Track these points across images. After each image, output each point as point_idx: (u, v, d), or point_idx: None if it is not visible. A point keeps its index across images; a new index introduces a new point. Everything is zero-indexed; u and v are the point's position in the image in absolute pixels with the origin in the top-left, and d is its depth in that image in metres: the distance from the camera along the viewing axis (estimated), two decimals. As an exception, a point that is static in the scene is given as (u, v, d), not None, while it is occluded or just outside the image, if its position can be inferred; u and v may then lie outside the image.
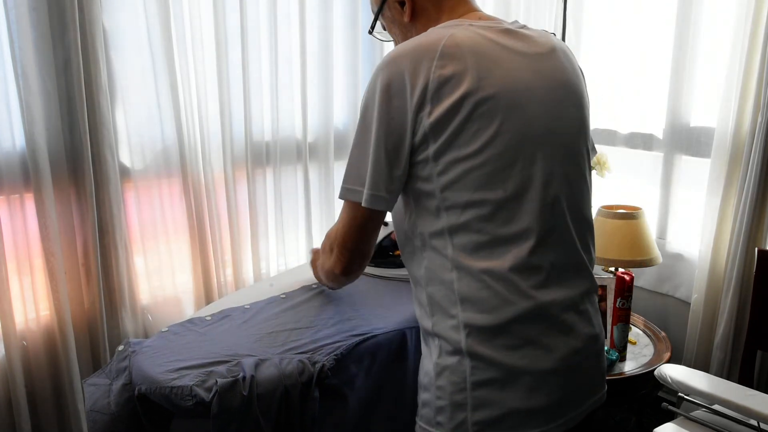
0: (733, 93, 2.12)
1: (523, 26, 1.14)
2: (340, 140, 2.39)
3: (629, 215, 2.22)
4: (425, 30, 1.13)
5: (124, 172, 1.86)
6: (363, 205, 1.06)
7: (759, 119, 2.03)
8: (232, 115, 2.04)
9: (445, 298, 1.07)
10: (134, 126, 1.86)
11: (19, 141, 1.63)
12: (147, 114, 1.87)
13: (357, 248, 1.15)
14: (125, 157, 1.86)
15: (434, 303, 1.10)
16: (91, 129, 1.72)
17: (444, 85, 1.01)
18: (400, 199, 1.13)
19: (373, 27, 1.30)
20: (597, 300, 1.20)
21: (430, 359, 1.11)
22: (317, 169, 2.34)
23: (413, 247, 1.13)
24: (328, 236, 1.22)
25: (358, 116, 1.09)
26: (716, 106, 2.21)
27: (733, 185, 2.18)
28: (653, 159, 2.58)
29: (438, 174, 1.04)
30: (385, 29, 1.30)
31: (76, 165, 1.73)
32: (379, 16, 1.26)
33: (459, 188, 1.03)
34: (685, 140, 2.46)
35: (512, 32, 1.10)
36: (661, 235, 2.57)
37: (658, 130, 2.55)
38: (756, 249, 2.00)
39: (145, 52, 1.83)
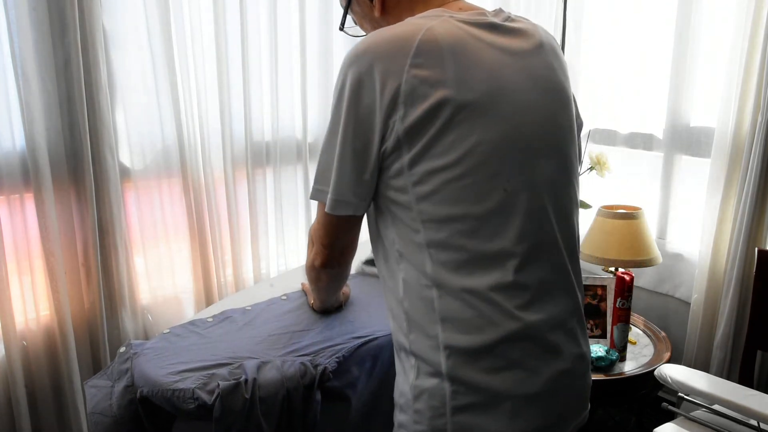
0: (733, 93, 2.12)
1: (509, 17, 1.05)
2: (340, 140, 2.38)
3: (629, 215, 2.22)
4: (396, 17, 1.07)
5: (124, 172, 1.86)
6: (326, 210, 1.01)
7: (759, 119, 2.03)
8: (232, 115, 2.04)
9: (425, 317, 0.99)
10: (134, 126, 1.85)
11: (19, 141, 1.63)
12: (147, 114, 1.87)
13: (334, 245, 1.10)
14: (125, 157, 1.86)
15: (411, 320, 1.01)
16: (91, 129, 1.72)
17: (419, 86, 0.91)
18: (373, 205, 1.05)
19: (343, 23, 1.20)
20: (584, 316, 1.11)
21: (405, 379, 1.04)
22: (317, 169, 2.33)
23: (387, 257, 1.05)
24: (310, 229, 1.16)
25: (331, 111, 1.01)
26: (716, 106, 2.21)
27: (733, 185, 2.18)
28: (653, 159, 2.58)
29: (413, 184, 0.95)
30: (356, 24, 1.21)
31: (76, 165, 1.73)
32: (348, 11, 1.17)
33: (437, 201, 0.95)
34: (685, 140, 2.46)
35: (497, 26, 1.00)
36: (661, 235, 2.57)
37: (658, 130, 2.55)
38: (756, 249, 2.00)
39: (145, 52, 1.83)
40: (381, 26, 1.05)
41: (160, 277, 1.99)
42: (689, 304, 2.37)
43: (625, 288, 2.05)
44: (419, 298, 0.99)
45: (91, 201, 1.75)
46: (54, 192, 1.68)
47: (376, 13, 1.11)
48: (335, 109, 0.98)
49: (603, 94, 2.67)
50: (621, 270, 2.15)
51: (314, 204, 2.32)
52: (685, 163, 2.48)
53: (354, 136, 0.96)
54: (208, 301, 2.07)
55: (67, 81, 1.68)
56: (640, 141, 2.63)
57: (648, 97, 2.56)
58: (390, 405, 1.30)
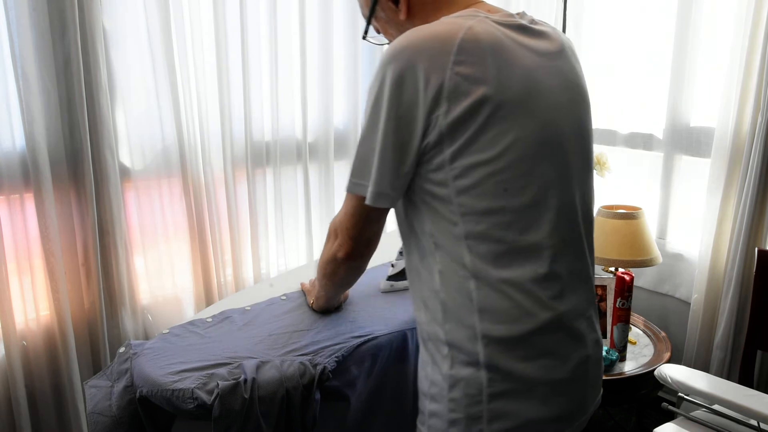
0: (733, 93, 2.12)
1: (532, 20, 1.09)
2: (340, 140, 2.39)
3: (629, 215, 2.22)
4: (422, 19, 1.07)
5: (124, 172, 1.86)
6: (367, 202, 1.03)
7: (759, 119, 2.03)
8: (232, 115, 2.04)
9: (462, 307, 1.02)
10: (134, 126, 1.86)
11: (19, 141, 1.63)
12: (147, 114, 1.87)
13: (361, 236, 1.12)
14: (125, 157, 1.86)
15: (448, 311, 1.04)
16: (91, 129, 1.72)
17: (462, 83, 0.94)
18: (404, 199, 1.09)
19: (366, 32, 1.22)
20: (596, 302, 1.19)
21: (437, 369, 1.07)
22: (317, 169, 2.34)
23: (422, 250, 1.08)
24: (333, 222, 1.17)
25: (366, 107, 1.03)
26: (716, 106, 2.21)
27: (733, 185, 2.18)
28: (653, 159, 2.58)
29: (454, 178, 0.98)
30: (379, 32, 1.23)
31: (76, 165, 1.73)
32: (372, 19, 1.19)
33: (477, 194, 0.98)
34: (685, 140, 2.46)
35: (526, 28, 1.04)
36: (661, 235, 2.57)
37: (658, 130, 2.55)
38: (756, 249, 2.00)
39: (145, 52, 1.83)
40: (407, 29, 1.07)
41: (160, 277, 1.99)
42: (689, 304, 2.37)
43: (625, 288, 2.05)
44: (457, 290, 1.02)
45: (91, 201, 1.75)
46: (54, 192, 1.69)
47: (402, 17, 1.12)
48: (374, 103, 0.99)
49: (603, 94, 2.66)
50: (621, 270, 2.14)
51: (314, 204, 2.34)
52: (685, 163, 2.48)
53: (396, 130, 0.98)
54: (208, 302, 2.07)
55: (67, 81, 1.68)
56: (640, 141, 2.63)
57: (648, 97, 2.56)
58: (390, 404, 1.30)
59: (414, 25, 1.07)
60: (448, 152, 0.97)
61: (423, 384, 1.12)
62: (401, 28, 1.13)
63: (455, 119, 0.95)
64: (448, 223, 1.01)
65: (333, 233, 1.17)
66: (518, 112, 0.98)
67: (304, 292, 1.63)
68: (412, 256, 1.12)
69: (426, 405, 1.11)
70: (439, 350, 1.07)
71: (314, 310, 1.53)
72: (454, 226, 1.00)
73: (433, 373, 1.09)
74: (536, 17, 1.12)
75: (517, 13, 1.09)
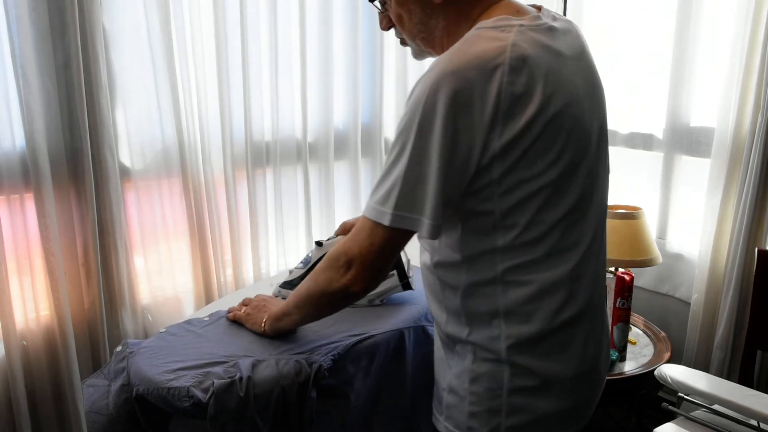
0: (733, 93, 2.12)
1: (553, 16, 1.08)
2: (340, 140, 2.39)
3: (629, 215, 2.21)
4: (456, 18, 1.05)
5: (124, 172, 1.86)
6: (425, 237, 0.98)
7: (759, 119, 2.03)
8: (232, 115, 2.04)
9: (487, 312, 1.04)
10: (134, 126, 1.86)
11: (19, 141, 1.63)
12: (147, 114, 1.87)
13: (381, 268, 1.06)
14: (125, 157, 1.86)
15: (472, 314, 1.06)
16: (91, 129, 1.72)
17: (516, 103, 0.93)
18: None
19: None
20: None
21: (459, 362, 1.09)
22: (317, 169, 2.34)
23: (447, 259, 1.07)
24: (343, 252, 1.06)
25: (405, 129, 0.96)
26: (716, 106, 2.21)
27: (733, 185, 2.17)
28: (653, 159, 2.58)
29: (500, 195, 0.97)
30: (385, 6, 1.14)
31: (76, 165, 1.73)
32: None
33: (521, 209, 0.98)
34: (685, 140, 2.46)
35: (553, 30, 1.03)
36: (661, 235, 2.57)
37: (658, 130, 2.54)
38: (756, 249, 2.00)
39: (145, 52, 1.83)
40: (435, 14, 1.06)
41: (160, 277, 1.99)
42: (689, 304, 2.37)
43: (625, 288, 2.04)
44: (483, 295, 1.04)
45: (91, 201, 1.75)
46: (54, 192, 1.68)
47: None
48: (422, 126, 0.94)
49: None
50: (621, 270, 2.14)
51: (314, 204, 2.33)
52: (685, 163, 2.48)
53: (452, 156, 0.94)
54: (208, 301, 2.07)
55: (67, 81, 1.68)
56: (640, 141, 2.63)
57: (648, 97, 2.55)
58: (389, 402, 1.30)
59: (446, 13, 1.06)
60: (497, 173, 0.96)
61: (442, 378, 1.15)
62: (427, 11, 1.07)
63: (508, 141, 0.94)
64: (484, 236, 1.01)
65: (344, 265, 1.06)
66: (562, 124, 0.98)
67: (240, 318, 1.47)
68: (434, 264, 1.10)
69: (444, 396, 1.13)
70: (461, 347, 1.09)
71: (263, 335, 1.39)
72: (490, 238, 1.00)
73: (453, 368, 1.11)
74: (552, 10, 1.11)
75: (536, 7, 1.08)
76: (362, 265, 1.04)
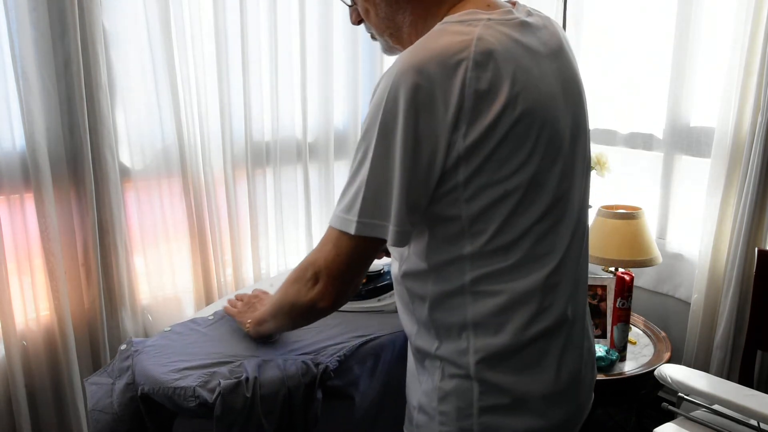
0: (733, 93, 2.12)
1: (528, 12, 1.02)
2: (340, 140, 2.39)
3: (629, 215, 2.22)
4: (423, 13, 1.01)
5: (124, 172, 1.86)
6: (389, 244, 0.93)
7: (759, 119, 2.03)
8: (232, 115, 2.04)
9: (455, 324, 0.99)
10: (134, 126, 1.86)
11: (19, 141, 1.63)
12: (147, 114, 1.87)
13: (353, 279, 0.99)
14: (125, 157, 1.86)
15: (440, 326, 1.01)
16: (91, 129, 1.72)
17: (481, 101, 0.87)
18: None
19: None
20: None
21: (428, 380, 1.04)
22: (317, 169, 2.34)
23: (413, 267, 1.02)
24: (310, 264, 1.00)
25: (368, 131, 0.90)
26: (716, 106, 2.21)
27: (733, 185, 2.18)
28: (653, 159, 2.58)
29: (466, 200, 0.92)
30: (353, 9, 1.10)
31: (76, 165, 1.73)
32: None
33: (489, 214, 0.92)
34: (685, 140, 2.46)
35: (526, 25, 0.97)
36: (661, 235, 2.57)
37: (658, 130, 2.55)
38: (756, 249, 2.00)
39: (145, 52, 1.83)
40: (402, 10, 1.02)
41: (160, 277, 1.99)
42: (689, 304, 2.37)
43: (625, 288, 2.04)
44: (451, 307, 0.99)
45: (91, 201, 1.75)
46: (54, 192, 1.68)
47: None
48: (384, 127, 0.89)
49: (603, 93, 2.66)
50: (621, 270, 2.15)
51: (314, 204, 2.33)
52: (685, 163, 2.48)
53: (415, 158, 0.88)
54: (208, 301, 2.07)
55: (67, 81, 1.68)
56: (640, 141, 2.63)
57: (648, 97, 2.55)
58: (395, 405, 1.29)
59: (411, 5, 1.02)
60: (463, 175, 0.90)
61: (412, 395, 1.10)
62: (395, 14, 1.04)
63: (473, 141, 0.88)
64: (450, 245, 0.96)
65: (312, 277, 1.00)
66: (531, 124, 0.92)
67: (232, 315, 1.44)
68: (402, 274, 1.06)
69: (414, 416, 1.08)
70: (431, 363, 1.03)
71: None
72: (458, 245, 0.95)
73: (425, 383, 1.05)
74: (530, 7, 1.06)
75: (512, 2, 1.02)
76: (329, 277, 0.98)
